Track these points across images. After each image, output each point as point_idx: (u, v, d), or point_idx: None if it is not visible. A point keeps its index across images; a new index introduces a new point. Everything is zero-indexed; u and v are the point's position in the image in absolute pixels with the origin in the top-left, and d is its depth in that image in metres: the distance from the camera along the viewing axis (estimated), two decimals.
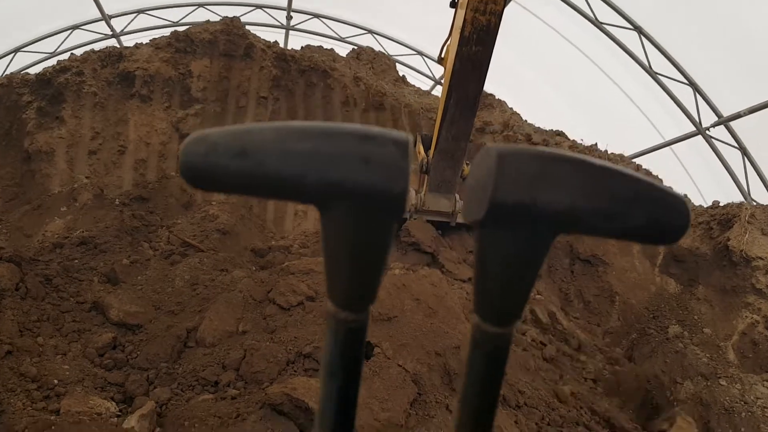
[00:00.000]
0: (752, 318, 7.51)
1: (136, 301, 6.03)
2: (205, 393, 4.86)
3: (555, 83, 13.59)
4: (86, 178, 9.22)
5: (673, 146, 12.77)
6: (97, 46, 11.20)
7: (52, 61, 10.65)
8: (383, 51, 14.95)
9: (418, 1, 13.46)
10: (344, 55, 13.46)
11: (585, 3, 11.87)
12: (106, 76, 10.21)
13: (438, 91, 16.04)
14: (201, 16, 14.58)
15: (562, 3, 11.95)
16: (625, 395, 6.39)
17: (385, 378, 4.72)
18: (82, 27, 14.65)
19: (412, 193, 8.29)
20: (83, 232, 7.82)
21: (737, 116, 11.12)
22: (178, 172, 0.57)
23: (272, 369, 4.98)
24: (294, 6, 15.92)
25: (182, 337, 5.53)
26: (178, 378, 5.04)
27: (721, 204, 9.33)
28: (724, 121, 11.46)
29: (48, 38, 14.42)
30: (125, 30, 15.24)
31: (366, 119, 11.28)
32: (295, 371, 4.96)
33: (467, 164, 8.27)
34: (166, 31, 11.28)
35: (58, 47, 14.61)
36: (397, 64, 14.84)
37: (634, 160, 11.71)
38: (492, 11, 6.33)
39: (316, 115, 11.04)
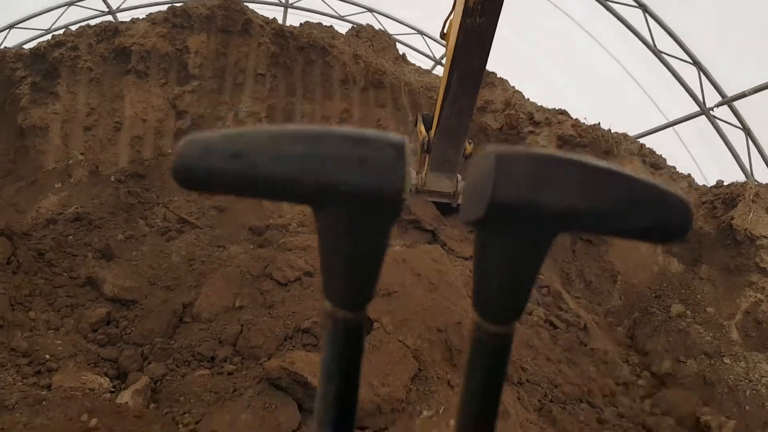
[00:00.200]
0: (756, 297, 7.42)
1: (131, 276, 5.91)
2: (201, 368, 4.76)
3: (558, 62, 13.38)
4: (81, 154, 9.05)
5: (676, 126, 12.61)
6: (92, 23, 10.95)
7: (47, 38, 10.43)
8: (383, 28, 14.70)
9: None
10: (344, 33, 13.22)
11: None
12: (102, 52, 9.99)
13: (439, 71, 15.83)
14: None
15: None
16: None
17: (385, 353, 4.62)
18: (77, 3, 14.37)
19: (412, 173, 8.15)
20: (78, 208, 7.69)
21: (742, 96, 10.96)
22: (173, 170, 0.54)
23: (270, 344, 4.88)
24: None
25: (178, 312, 5.43)
26: (174, 353, 4.95)
27: (725, 183, 9.20)
28: (728, 101, 11.29)
29: (43, 15, 14.15)
30: (121, 6, 14.97)
31: (365, 97, 11.09)
32: (293, 346, 4.86)
33: (470, 143, 8.11)
34: (163, 8, 11.04)
35: (53, 24, 14.34)
36: (397, 43, 14.60)
37: (637, 140, 11.54)
38: None
39: (314, 93, 10.86)
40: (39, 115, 9.16)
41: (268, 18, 11.31)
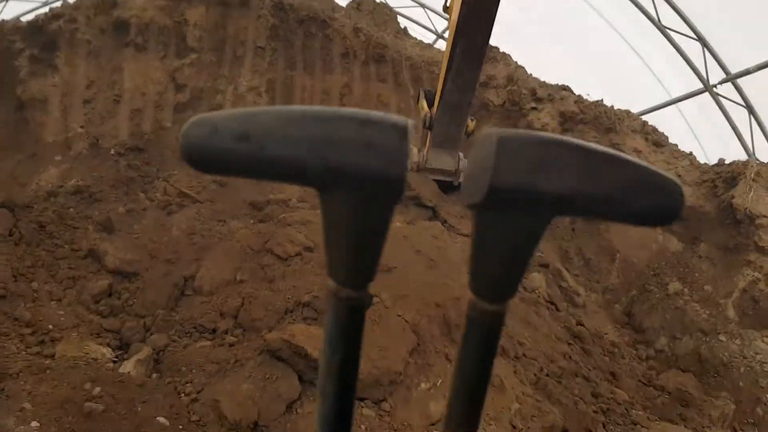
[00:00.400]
0: (753, 275, 7.46)
1: (132, 249, 5.94)
2: (202, 340, 4.82)
3: (561, 36, 13.22)
4: (81, 127, 9.00)
5: (679, 104, 12.53)
6: None
7: (45, 11, 10.29)
8: (384, 1, 14.50)
9: None
10: (344, 6, 13.04)
11: None
12: (100, 24, 9.86)
13: (441, 45, 15.65)
14: None
15: None
16: None
17: (384, 327, 4.67)
18: None
19: (413, 150, 8.09)
20: (78, 181, 7.68)
21: (746, 73, 10.86)
22: (180, 152, 0.55)
23: (271, 317, 4.93)
24: None
25: (179, 285, 5.47)
26: (175, 325, 5.00)
27: (727, 162, 9.17)
28: (731, 78, 11.19)
29: None
30: None
31: (366, 72, 10.99)
32: (293, 319, 4.91)
33: (472, 120, 8.03)
34: None
35: None
36: (398, 16, 14.40)
37: (640, 117, 11.47)
38: None
39: (314, 67, 10.75)
40: (38, 88, 9.09)
41: None
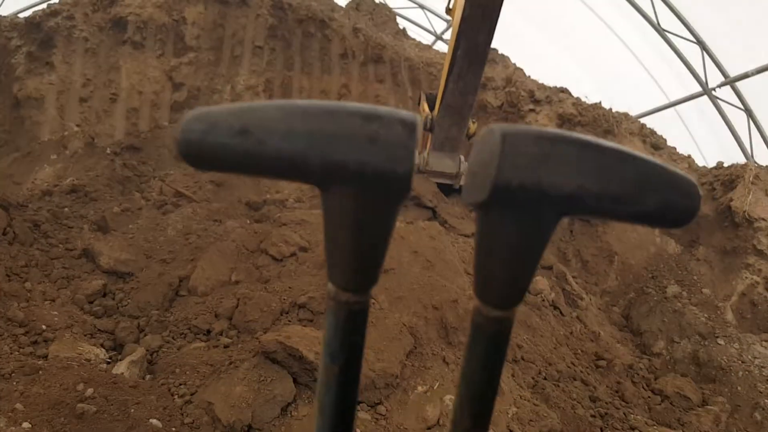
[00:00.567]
0: (752, 279, 7.45)
1: (127, 249, 5.89)
2: (197, 341, 4.77)
3: (559, 38, 13.23)
4: (77, 126, 8.96)
5: (677, 107, 12.54)
6: None
7: (43, 7, 10.23)
8: (383, 2, 14.48)
9: None
10: (343, 6, 13.01)
11: None
12: (98, 21, 9.82)
13: (439, 46, 15.63)
14: None
15: None
16: None
17: (381, 329, 4.62)
18: None
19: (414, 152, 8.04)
20: (73, 180, 7.64)
21: (745, 76, 10.87)
22: (177, 150, 0.53)
23: (266, 318, 4.88)
24: None
25: (174, 285, 5.42)
26: (170, 326, 4.95)
27: (725, 165, 9.16)
28: (730, 81, 11.20)
29: None
30: None
31: (364, 72, 10.97)
32: (289, 321, 4.87)
33: (473, 122, 8.00)
34: None
35: None
36: (397, 17, 14.39)
37: (638, 120, 11.46)
38: None
39: (313, 67, 10.72)
40: (34, 86, 9.04)
41: None
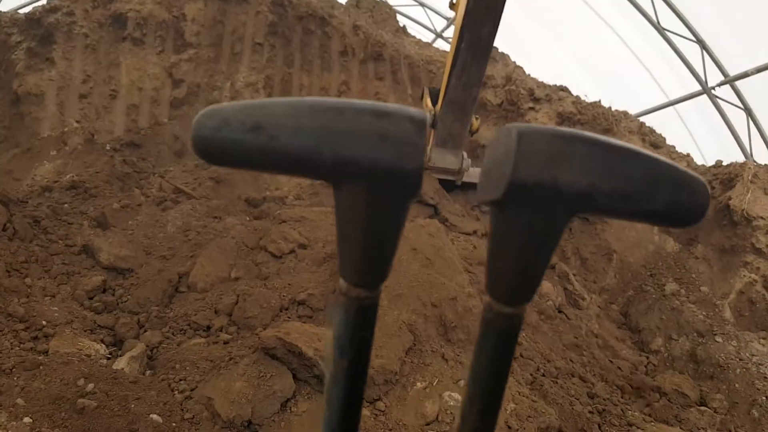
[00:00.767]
0: (750, 277, 7.47)
1: (127, 245, 5.90)
2: (197, 337, 4.79)
3: (559, 37, 13.23)
4: (77, 122, 8.96)
5: (677, 106, 12.55)
6: None
7: (43, 3, 10.23)
8: (384, 0, 14.47)
9: None
10: (343, 3, 13.01)
11: None
12: (98, 18, 9.82)
13: (440, 44, 15.63)
14: None
15: None
16: None
17: (380, 326, 4.63)
18: None
19: None
20: (73, 176, 7.64)
21: (744, 75, 10.88)
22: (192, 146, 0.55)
23: (265, 315, 4.90)
24: None
25: (174, 281, 5.43)
26: (169, 322, 4.96)
27: (724, 163, 9.18)
28: (730, 80, 11.21)
29: None
30: None
31: (364, 70, 10.96)
32: (288, 317, 4.88)
33: (476, 118, 7.96)
34: None
35: None
36: (397, 15, 14.38)
37: (637, 119, 11.48)
38: None
39: (312, 65, 10.72)
40: (34, 82, 9.04)
41: None
